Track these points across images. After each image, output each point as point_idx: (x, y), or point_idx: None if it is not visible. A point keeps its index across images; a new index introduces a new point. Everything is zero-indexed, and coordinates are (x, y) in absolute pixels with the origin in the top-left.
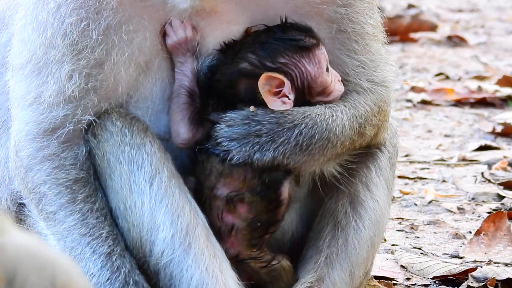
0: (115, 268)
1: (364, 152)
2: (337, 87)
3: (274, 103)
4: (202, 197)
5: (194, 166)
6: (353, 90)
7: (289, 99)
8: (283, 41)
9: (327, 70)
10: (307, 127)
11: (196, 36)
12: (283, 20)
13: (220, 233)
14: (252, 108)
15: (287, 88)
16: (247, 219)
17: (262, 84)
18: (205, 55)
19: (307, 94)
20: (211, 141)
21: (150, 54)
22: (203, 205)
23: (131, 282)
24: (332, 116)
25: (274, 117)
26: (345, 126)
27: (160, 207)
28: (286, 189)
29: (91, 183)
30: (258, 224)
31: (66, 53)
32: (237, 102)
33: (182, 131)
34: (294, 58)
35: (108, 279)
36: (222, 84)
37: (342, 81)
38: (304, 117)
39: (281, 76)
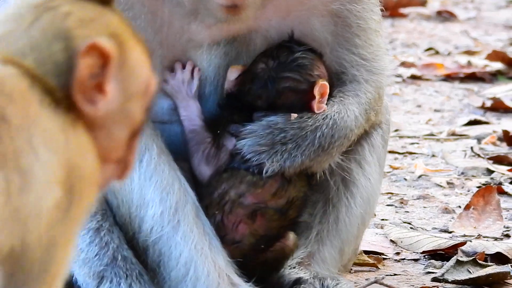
0: (104, 244)
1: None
2: None
3: (319, 108)
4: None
5: (220, 173)
6: (354, 80)
7: (324, 104)
8: (304, 54)
9: None
10: (328, 127)
11: (196, 78)
12: (290, 35)
13: (222, 241)
14: (293, 116)
15: (327, 95)
16: (258, 235)
17: (317, 92)
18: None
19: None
20: (238, 158)
21: (151, 41)
22: (206, 208)
23: (119, 257)
24: (347, 111)
25: (296, 122)
26: (357, 118)
27: (149, 184)
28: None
29: None
30: (262, 246)
31: None
32: (252, 112)
33: (204, 171)
34: (320, 67)
35: (96, 255)
36: (263, 102)
37: (340, 74)
38: (324, 118)
39: (327, 84)
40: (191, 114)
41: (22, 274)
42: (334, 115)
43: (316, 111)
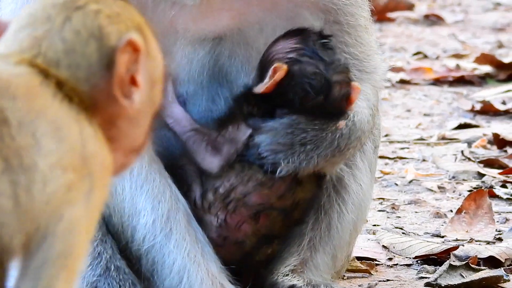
0: (96, 254)
1: None
2: None
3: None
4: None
5: (226, 169)
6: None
7: None
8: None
9: None
10: (347, 128)
11: (169, 83)
12: (317, 33)
13: (217, 240)
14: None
15: None
16: (260, 234)
17: (354, 96)
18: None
19: None
20: (252, 152)
21: None
22: (209, 206)
23: (112, 267)
24: (362, 113)
25: (318, 122)
26: (369, 121)
27: (140, 192)
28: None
29: None
30: (264, 245)
31: None
32: (275, 109)
33: (211, 163)
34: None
35: (89, 265)
36: (302, 104)
37: None
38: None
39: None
40: (178, 118)
41: (42, 259)
42: (353, 117)
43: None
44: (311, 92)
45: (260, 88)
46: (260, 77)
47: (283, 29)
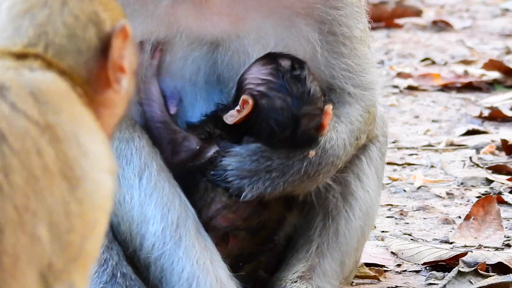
0: (103, 261)
1: None
2: None
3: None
4: None
5: (192, 190)
6: (345, 102)
7: None
8: (310, 81)
9: None
10: (316, 156)
11: (156, 59)
12: (290, 60)
13: None
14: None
15: None
16: (233, 255)
17: (327, 122)
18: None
19: None
20: (218, 174)
21: (141, 36)
22: None
23: (118, 274)
24: (337, 139)
25: (284, 151)
26: (346, 146)
27: (150, 201)
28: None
29: None
30: (240, 264)
31: None
32: (244, 136)
33: (167, 163)
34: (318, 84)
35: (95, 272)
36: (271, 139)
37: (329, 88)
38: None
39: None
40: (152, 99)
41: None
42: (324, 143)
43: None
44: (276, 128)
45: (228, 119)
46: (235, 99)
47: (280, 38)
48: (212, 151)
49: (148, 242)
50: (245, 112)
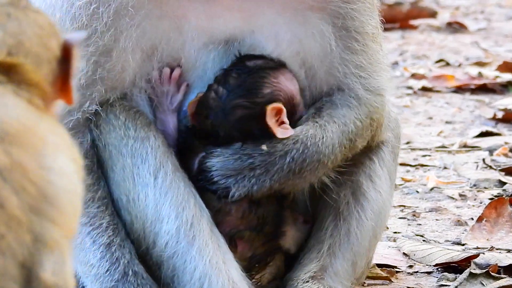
0: (114, 259)
1: (367, 145)
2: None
3: (282, 132)
4: None
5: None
6: (345, 105)
7: (287, 124)
8: (252, 74)
9: None
10: (298, 152)
11: (181, 92)
12: (238, 55)
13: None
14: (264, 147)
15: (284, 114)
16: (247, 257)
17: (269, 118)
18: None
19: (293, 114)
20: (205, 176)
21: (155, 38)
22: None
23: (130, 272)
24: (323, 137)
25: (265, 148)
26: (335, 145)
27: (165, 199)
28: (287, 219)
29: (94, 171)
30: (257, 265)
31: None
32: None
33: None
34: (273, 83)
35: (107, 270)
36: (234, 134)
37: (337, 88)
38: (294, 142)
39: (279, 105)
40: (166, 130)
41: None
42: (305, 140)
43: (279, 137)
44: (217, 121)
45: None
46: None
47: (294, 33)
48: (199, 156)
49: (162, 241)
50: (190, 111)
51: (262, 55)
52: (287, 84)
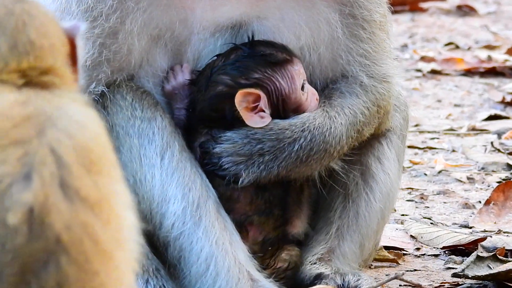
0: None
1: (374, 133)
2: (313, 105)
3: (252, 119)
4: None
5: None
6: (353, 92)
7: (266, 113)
8: (252, 57)
9: (303, 88)
10: (306, 141)
11: (185, 70)
12: (250, 37)
13: None
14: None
15: (263, 102)
16: (258, 242)
17: (239, 101)
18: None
19: (282, 110)
20: (213, 162)
21: (162, 24)
22: None
23: None
24: (331, 127)
25: (274, 133)
26: (342, 136)
27: (171, 180)
28: (294, 202)
29: None
30: (269, 248)
31: (81, 20)
32: (229, 125)
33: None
34: (266, 73)
35: None
36: (205, 111)
37: (341, 75)
38: (302, 130)
39: (256, 91)
40: (183, 116)
41: None
42: (313, 129)
43: (249, 124)
44: (198, 89)
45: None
46: None
47: (302, 19)
48: (202, 138)
49: (168, 221)
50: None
51: (273, 43)
52: (282, 80)
